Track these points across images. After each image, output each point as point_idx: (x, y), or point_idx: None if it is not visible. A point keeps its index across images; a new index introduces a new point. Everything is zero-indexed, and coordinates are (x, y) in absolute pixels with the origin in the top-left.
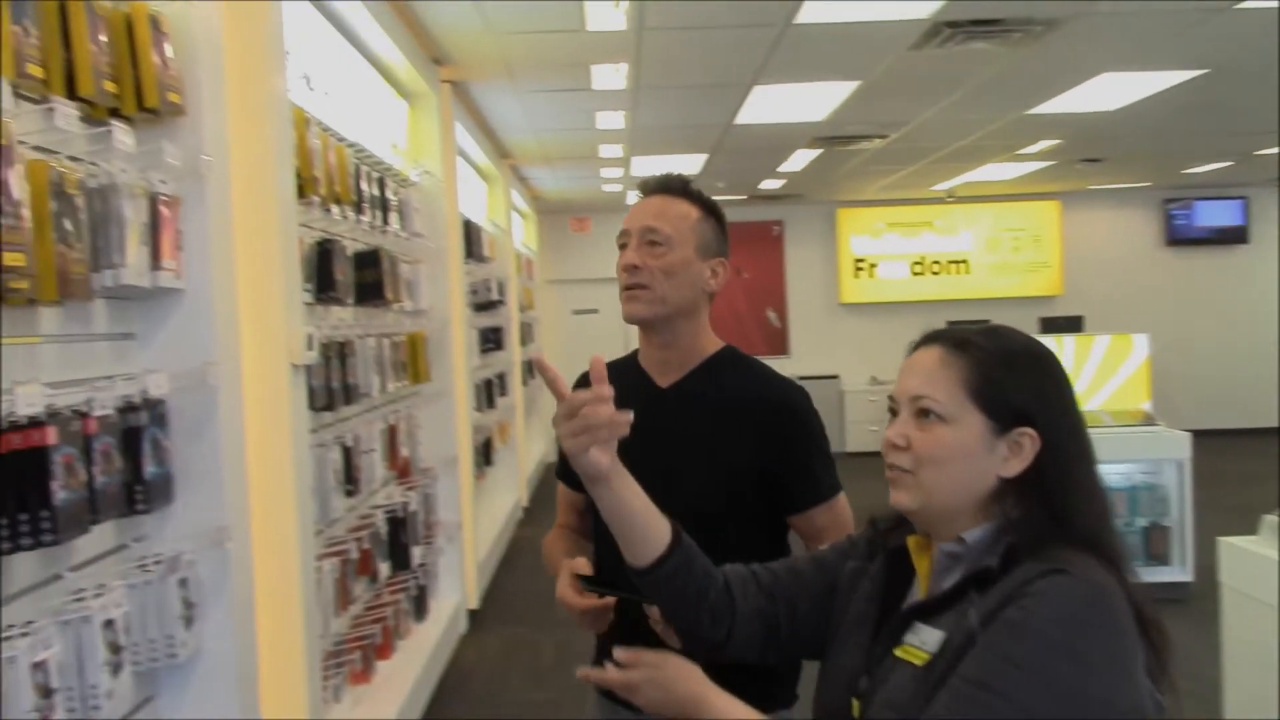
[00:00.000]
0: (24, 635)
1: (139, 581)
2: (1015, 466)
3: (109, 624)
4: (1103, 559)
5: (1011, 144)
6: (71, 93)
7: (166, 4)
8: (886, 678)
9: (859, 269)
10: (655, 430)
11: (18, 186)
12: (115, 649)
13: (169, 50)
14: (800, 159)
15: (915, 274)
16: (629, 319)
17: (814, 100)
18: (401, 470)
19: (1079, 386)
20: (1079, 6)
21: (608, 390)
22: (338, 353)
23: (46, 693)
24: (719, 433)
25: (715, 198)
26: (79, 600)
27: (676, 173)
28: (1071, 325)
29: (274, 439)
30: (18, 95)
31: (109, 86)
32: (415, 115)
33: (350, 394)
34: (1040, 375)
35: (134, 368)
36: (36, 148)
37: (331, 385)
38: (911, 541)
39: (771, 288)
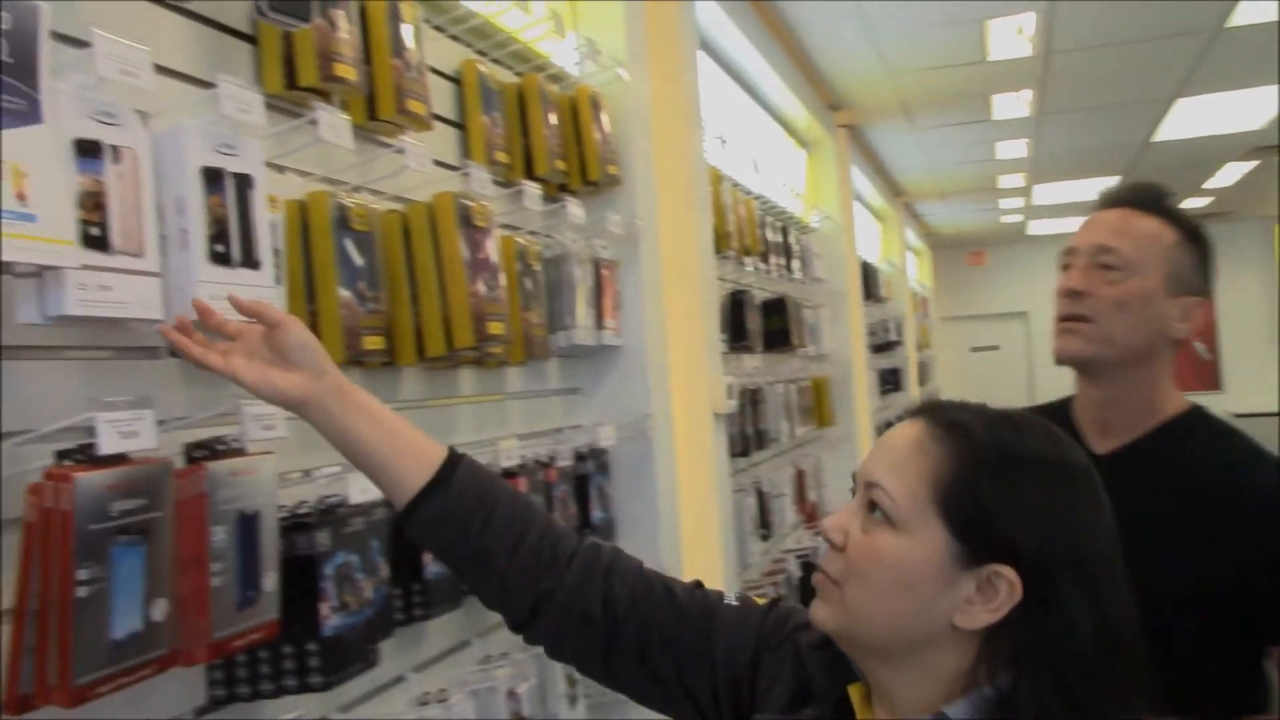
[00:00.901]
0: (501, 667)
1: None
2: (979, 617)
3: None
4: None
5: None
6: (528, 173)
7: (604, 83)
8: None
9: None
10: None
11: (500, 263)
12: (572, 682)
13: (606, 125)
14: (1232, 172)
15: None
16: (1060, 358)
17: (1250, 107)
18: (809, 515)
19: None
20: None
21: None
22: (749, 400)
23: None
24: (1182, 524)
25: None
26: None
27: (1150, 181)
28: None
29: (700, 485)
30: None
31: (559, 165)
32: (813, 162)
33: (762, 440)
34: (1050, 495)
35: (578, 420)
36: (504, 225)
37: (745, 431)
38: (854, 693)
39: None
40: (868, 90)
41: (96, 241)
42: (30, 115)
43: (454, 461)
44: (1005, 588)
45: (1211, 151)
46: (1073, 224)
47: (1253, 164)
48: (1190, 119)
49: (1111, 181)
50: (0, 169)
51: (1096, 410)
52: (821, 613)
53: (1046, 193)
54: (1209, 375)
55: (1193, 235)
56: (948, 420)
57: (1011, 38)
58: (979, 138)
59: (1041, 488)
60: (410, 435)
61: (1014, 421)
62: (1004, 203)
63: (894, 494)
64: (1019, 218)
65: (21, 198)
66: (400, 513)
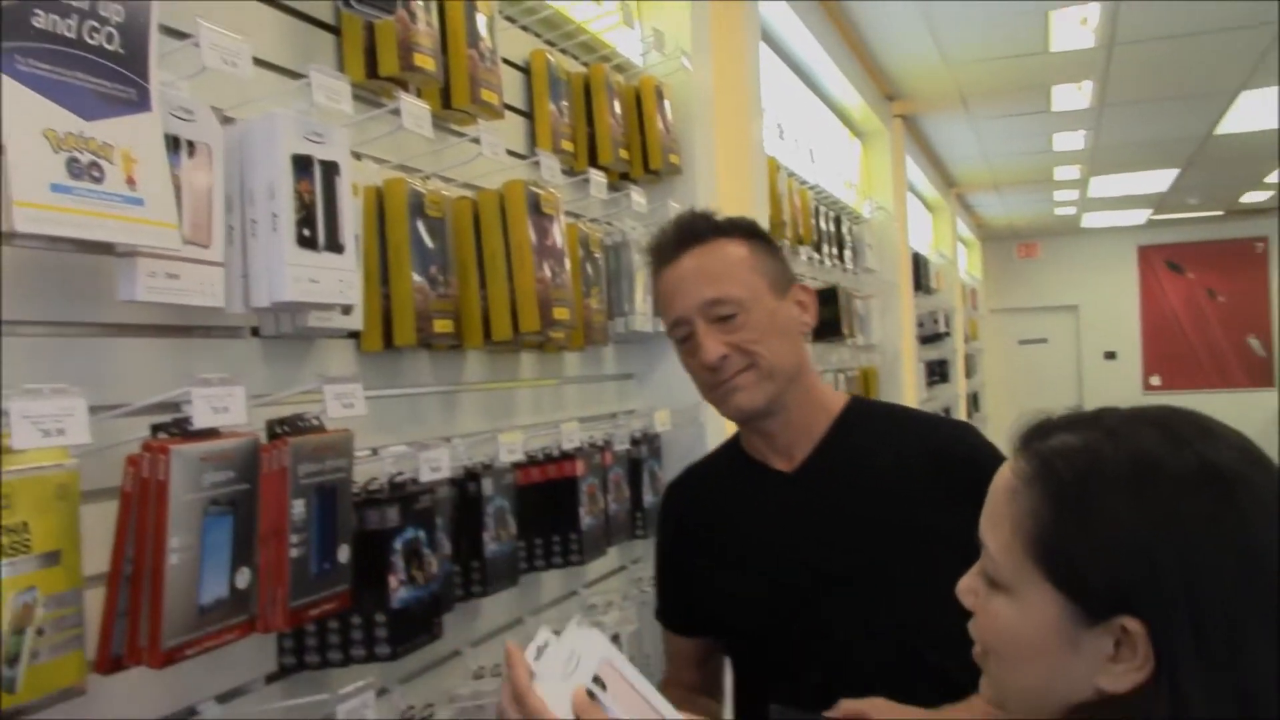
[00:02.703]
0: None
1: (637, 601)
2: (1124, 678)
3: (616, 638)
4: None
5: None
6: (592, 161)
7: (668, 73)
8: None
9: None
10: (800, 531)
11: (565, 250)
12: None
13: (669, 114)
14: None
15: None
16: (744, 415)
17: None
18: None
19: None
20: None
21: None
22: None
23: None
24: (903, 511)
25: (1184, 215)
26: (592, 615)
27: (688, 212)
28: None
29: None
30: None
31: (622, 154)
32: (868, 152)
33: None
34: (1153, 518)
35: (632, 405)
36: (567, 212)
37: None
38: None
39: (1254, 311)
40: (925, 80)
41: None
42: (140, 104)
43: None
44: (1141, 641)
45: (1273, 146)
46: (1131, 217)
47: None
48: (1255, 112)
49: (1171, 175)
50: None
51: (772, 441)
52: (985, 691)
53: (1103, 185)
54: (1262, 372)
55: (751, 234)
56: (1035, 451)
57: (1075, 29)
58: (1036, 129)
59: (1138, 507)
60: None
61: (1113, 428)
62: (1059, 195)
63: (995, 554)
64: (1073, 210)
65: (131, 182)
66: None
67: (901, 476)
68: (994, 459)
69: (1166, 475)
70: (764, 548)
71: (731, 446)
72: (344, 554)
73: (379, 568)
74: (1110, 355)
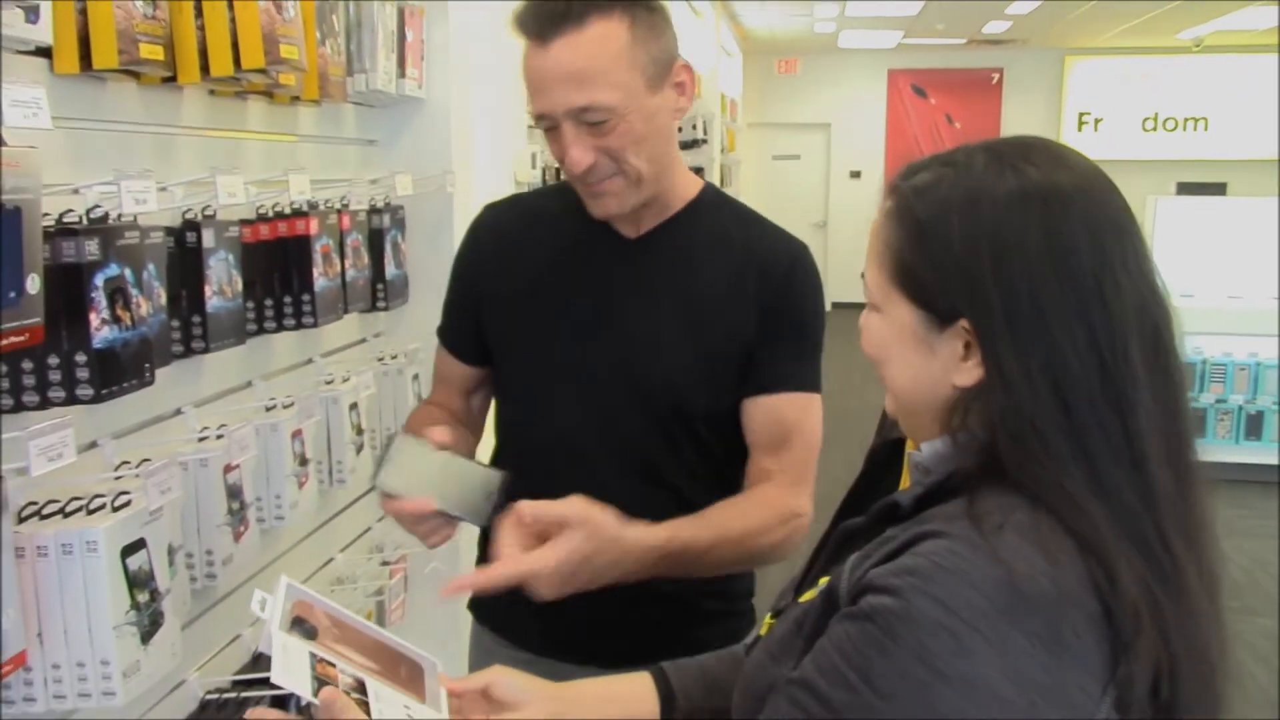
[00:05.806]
0: (287, 407)
1: (378, 372)
2: (972, 372)
3: (353, 407)
4: (1061, 520)
5: None
6: None
7: None
8: (787, 611)
9: (1083, 122)
10: (628, 291)
11: None
12: (359, 431)
13: None
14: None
15: (1146, 130)
16: (611, 218)
17: None
18: None
19: None
20: None
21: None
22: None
23: (303, 461)
24: (716, 294)
25: (932, 40)
26: (329, 384)
27: None
28: None
29: None
30: None
31: None
32: None
33: None
34: (974, 233)
35: (376, 173)
36: None
37: None
38: (910, 442)
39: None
40: None
41: None
42: None
43: (669, 695)
44: (975, 341)
45: None
46: (883, 39)
47: None
48: None
49: None
50: None
51: (625, 215)
52: (889, 404)
53: (860, 4)
54: None
55: (634, 3)
56: (897, 190)
57: None
58: None
59: (963, 226)
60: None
61: (955, 160)
62: (819, 10)
63: (870, 282)
64: (832, 28)
65: None
66: None
67: (725, 271)
68: (810, 288)
69: (988, 196)
70: (582, 298)
71: (569, 192)
72: (33, 284)
73: (78, 304)
74: (855, 174)
